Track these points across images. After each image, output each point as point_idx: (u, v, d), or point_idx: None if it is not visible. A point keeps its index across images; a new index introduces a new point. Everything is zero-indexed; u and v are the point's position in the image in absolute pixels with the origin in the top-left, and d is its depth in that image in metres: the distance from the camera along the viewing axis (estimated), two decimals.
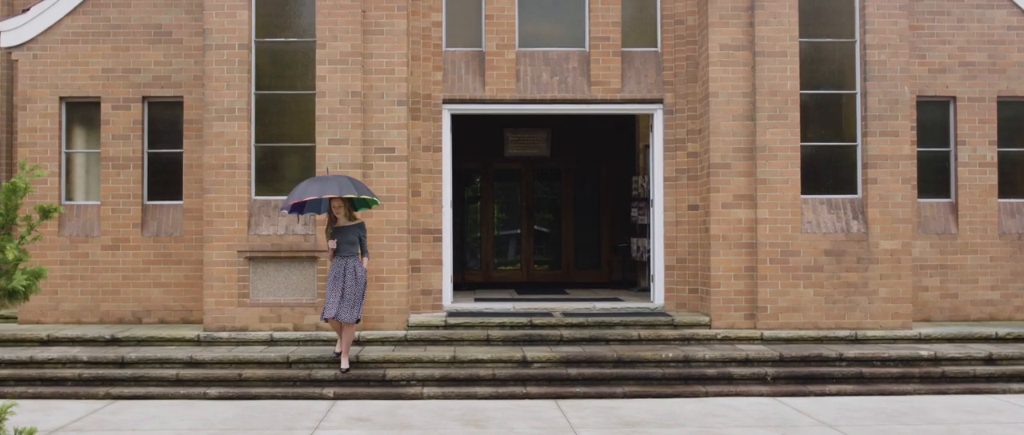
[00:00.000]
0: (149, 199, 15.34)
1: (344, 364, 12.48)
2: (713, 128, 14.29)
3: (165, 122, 15.40)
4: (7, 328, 14.38)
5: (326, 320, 12.44)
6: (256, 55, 14.31)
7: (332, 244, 12.52)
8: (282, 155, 14.40)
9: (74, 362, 12.76)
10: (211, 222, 14.02)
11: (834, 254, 14.19)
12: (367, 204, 12.93)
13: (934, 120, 15.67)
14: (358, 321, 12.54)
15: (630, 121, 20.40)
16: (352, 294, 12.40)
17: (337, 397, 11.95)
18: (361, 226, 12.70)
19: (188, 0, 15.16)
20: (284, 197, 13.91)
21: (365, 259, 12.72)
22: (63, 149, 15.29)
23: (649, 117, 15.56)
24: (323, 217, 13.56)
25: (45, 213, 6.07)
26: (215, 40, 14.06)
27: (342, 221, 12.61)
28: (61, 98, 15.18)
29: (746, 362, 12.88)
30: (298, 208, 12.71)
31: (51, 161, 15.05)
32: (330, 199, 12.54)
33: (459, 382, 12.45)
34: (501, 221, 22.61)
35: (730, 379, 12.55)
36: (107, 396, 12.11)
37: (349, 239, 12.54)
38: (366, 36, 14.21)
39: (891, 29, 14.35)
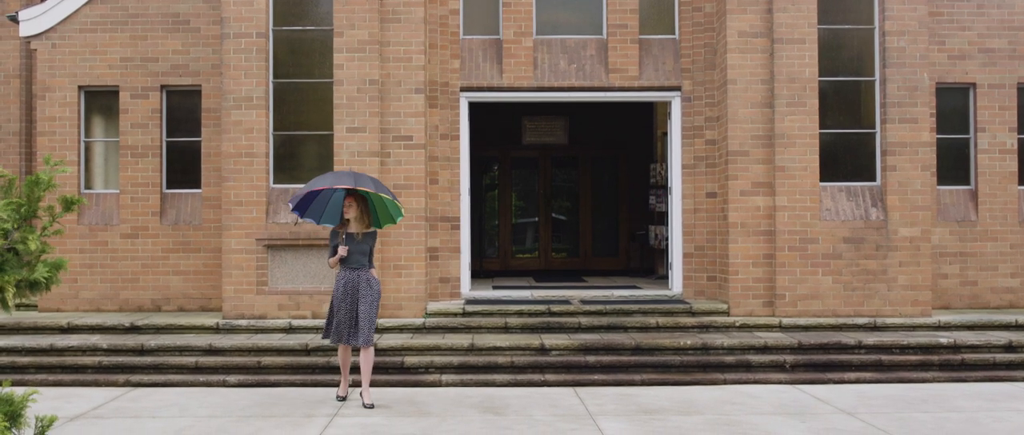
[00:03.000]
0: (168, 188, 15.40)
1: (367, 399, 10.83)
2: (731, 115, 14.26)
3: (183, 111, 15.45)
4: (27, 316, 14.47)
5: (330, 342, 11.27)
6: (274, 43, 14.33)
7: (342, 251, 10.83)
8: (300, 143, 14.42)
9: (94, 350, 12.83)
10: (230, 210, 14.05)
11: (853, 241, 14.15)
12: (391, 217, 11.13)
13: (954, 107, 15.60)
14: (374, 344, 11.18)
15: (648, 109, 20.36)
16: (368, 313, 10.82)
17: (356, 385, 11.97)
18: (374, 234, 11.08)
19: None
20: (302, 185, 13.82)
21: (374, 271, 11.10)
22: (82, 138, 15.35)
23: (667, 105, 15.53)
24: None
25: (67, 205, 6.10)
26: (233, 28, 14.08)
27: (354, 226, 10.94)
28: (80, 87, 15.24)
29: (764, 350, 12.86)
30: (304, 205, 11.00)
31: (70, 150, 15.11)
32: (343, 197, 10.99)
33: (477, 370, 12.47)
34: (519, 209, 22.60)
35: (748, 367, 12.54)
36: (127, 383, 12.18)
37: (361, 249, 10.91)
38: (383, 24, 14.21)
39: (910, 15, 14.27)
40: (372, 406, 10.72)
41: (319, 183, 10.67)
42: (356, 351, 11.50)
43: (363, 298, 10.84)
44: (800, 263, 14.13)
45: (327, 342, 11.43)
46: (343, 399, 11.10)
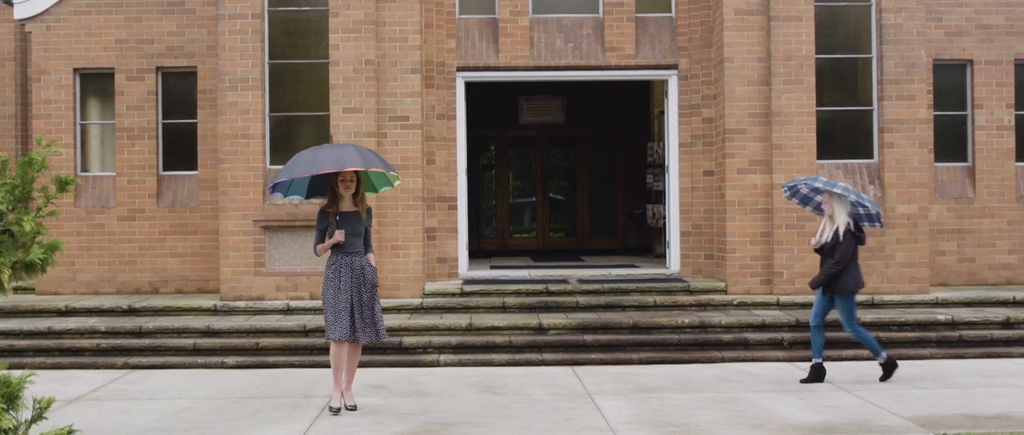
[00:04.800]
0: (164, 170, 15.39)
1: (350, 400, 9.55)
2: (728, 93, 14.23)
3: (179, 92, 15.42)
4: (25, 299, 14.46)
5: (333, 340, 9.50)
6: (269, 24, 14.28)
7: (339, 236, 9.31)
8: (297, 124, 14.39)
9: (92, 332, 12.83)
10: (226, 192, 14.03)
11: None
12: (388, 182, 9.99)
13: (951, 84, 15.58)
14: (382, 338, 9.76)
15: (645, 87, 20.32)
16: (371, 304, 9.50)
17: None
18: (369, 212, 9.65)
19: None
20: None
21: (371, 256, 9.67)
22: (78, 121, 15.33)
23: (664, 83, 15.49)
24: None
25: (62, 186, 6.08)
26: (228, 9, 14.02)
27: (347, 204, 9.52)
28: (75, 70, 15.21)
29: (762, 327, 12.87)
30: (283, 187, 9.67)
31: (66, 133, 15.09)
32: (334, 174, 9.38)
33: (475, 349, 12.48)
34: (516, 189, 22.59)
35: (746, 344, 12.55)
36: (125, 366, 12.18)
37: (357, 230, 9.49)
38: (379, 4, 14.15)
39: None
40: (355, 408, 9.52)
41: (302, 167, 9.05)
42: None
43: (368, 288, 9.45)
44: (798, 241, 14.12)
45: (334, 340, 9.41)
46: (338, 411, 9.45)
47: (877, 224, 10.94)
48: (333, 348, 9.49)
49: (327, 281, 9.49)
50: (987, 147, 15.38)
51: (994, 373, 11.29)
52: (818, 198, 11.08)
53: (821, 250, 10.87)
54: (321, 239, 9.53)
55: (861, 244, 10.77)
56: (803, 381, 10.79)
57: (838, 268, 10.56)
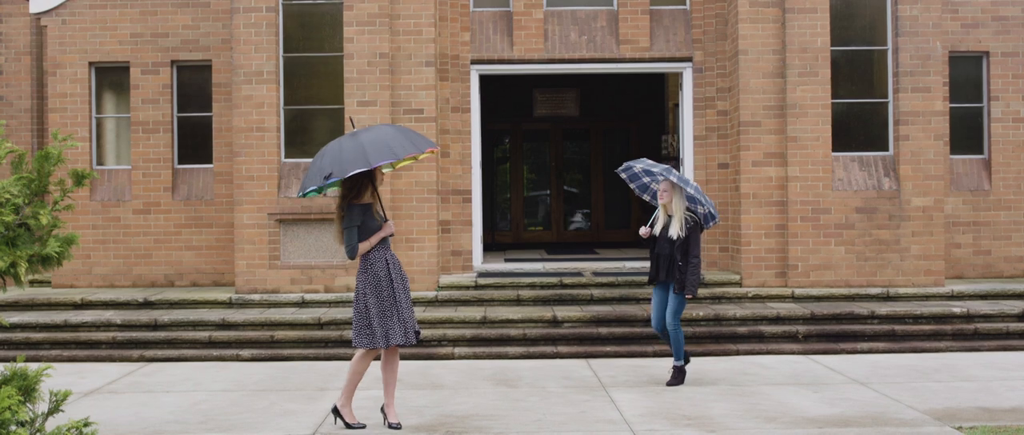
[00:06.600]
0: (179, 163, 15.42)
1: (393, 418, 8.50)
2: (743, 86, 14.19)
3: (194, 86, 15.45)
4: (41, 292, 14.52)
5: (382, 346, 8.34)
6: (284, 17, 14.29)
7: (391, 227, 8.39)
8: (311, 118, 14.41)
9: (108, 325, 12.88)
10: (241, 185, 14.06)
11: (865, 211, 14.10)
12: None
13: (967, 75, 15.51)
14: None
15: (659, 80, 20.30)
16: (408, 302, 8.40)
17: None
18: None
19: None
20: (310, 160, 13.53)
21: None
22: (93, 114, 15.37)
23: (678, 76, 15.46)
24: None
25: (78, 179, 6.09)
26: (243, 3, 14.04)
27: (376, 197, 8.46)
28: (90, 63, 15.24)
29: (777, 320, 12.86)
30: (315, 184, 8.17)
31: (82, 126, 15.13)
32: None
33: (490, 342, 12.49)
34: (531, 182, 22.59)
35: (761, 337, 12.53)
36: (141, 359, 12.23)
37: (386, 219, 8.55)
38: None
39: None
40: (400, 427, 8.45)
41: (338, 160, 7.96)
42: (378, 356, 8.88)
43: (402, 283, 8.39)
44: (812, 233, 14.09)
45: (367, 346, 8.33)
46: (342, 421, 8.60)
47: (710, 223, 10.49)
48: (364, 358, 8.45)
49: (376, 282, 8.27)
50: (1003, 139, 15.32)
51: (1010, 366, 11.26)
52: (650, 183, 10.67)
53: (651, 240, 10.50)
54: (360, 235, 8.27)
55: (700, 233, 10.38)
56: (669, 384, 10.38)
57: (698, 261, 10.27)
